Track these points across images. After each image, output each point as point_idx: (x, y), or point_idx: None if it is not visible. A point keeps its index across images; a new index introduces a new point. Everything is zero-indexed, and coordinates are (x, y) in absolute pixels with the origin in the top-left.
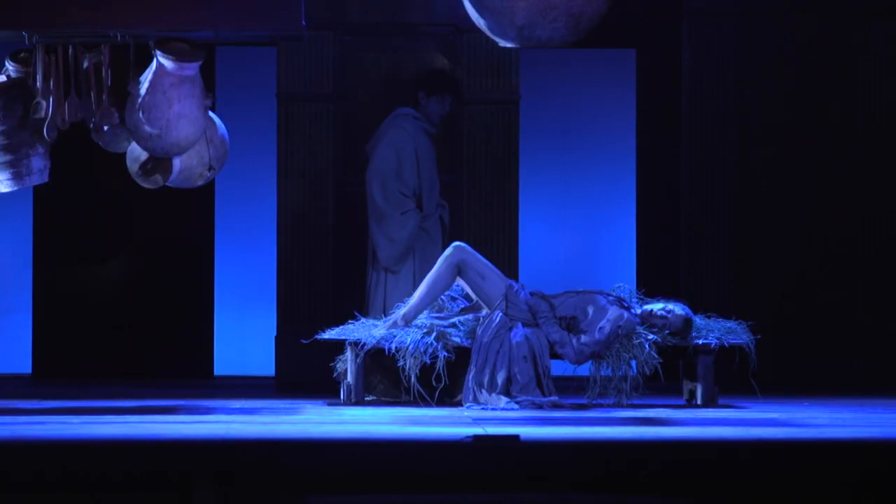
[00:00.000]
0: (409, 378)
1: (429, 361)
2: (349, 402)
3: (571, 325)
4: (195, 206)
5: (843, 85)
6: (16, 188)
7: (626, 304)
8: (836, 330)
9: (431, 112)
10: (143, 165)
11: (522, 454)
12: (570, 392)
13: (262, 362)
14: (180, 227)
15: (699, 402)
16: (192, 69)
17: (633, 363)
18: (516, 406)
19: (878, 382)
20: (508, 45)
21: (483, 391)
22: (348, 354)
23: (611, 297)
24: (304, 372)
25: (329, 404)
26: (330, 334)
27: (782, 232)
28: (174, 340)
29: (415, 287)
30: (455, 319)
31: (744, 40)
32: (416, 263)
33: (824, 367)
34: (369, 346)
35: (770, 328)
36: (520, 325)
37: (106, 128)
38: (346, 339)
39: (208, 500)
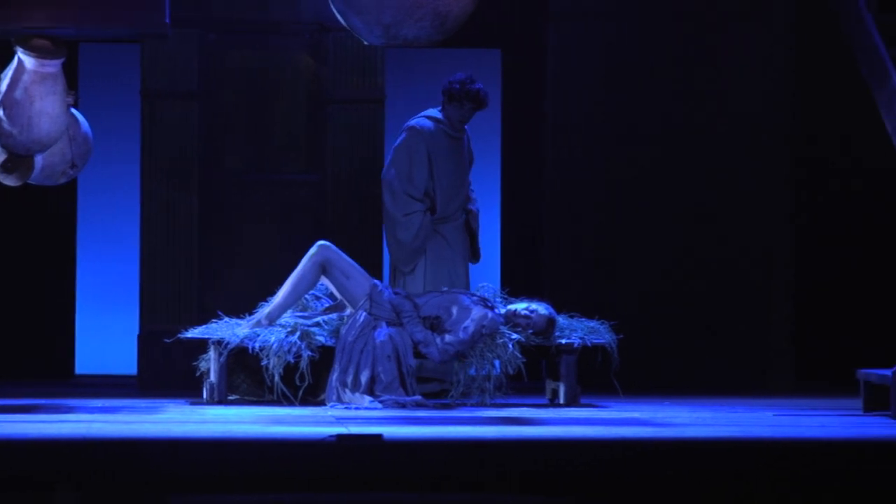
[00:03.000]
0: (273, 377)
1: (292, 361)
2: (212, 402)
3: (435, 324)
4: (57, 203)
5: (707, 87)
6: None
7: (489, 304)
8: (699, 330)
9: (451, 116)
10: (4, 163)
11: (386, 453)
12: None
13: (125, 361)
14: (42, 223)
15: (562, 401)
16: (53, 66)
17: (497, 363)
18: (380, 405)
19: (739, 382)
20: (374, 43)
21: (347, 390)
22: (211, 353)
23: (475, 297)
24: (166, 371)
25: (192, 403)
26: (193, 333)
27: (645, 232)
28: (34, 338)
29: (425, 288)
30: (319, 318)
31: (608, 43)
32: (428, 266)
33: (687, 366)
34: (233, 346)
35: (633, 328)
36: (384, 324)
37: None
38: (209, 338)
39: (70, 500)
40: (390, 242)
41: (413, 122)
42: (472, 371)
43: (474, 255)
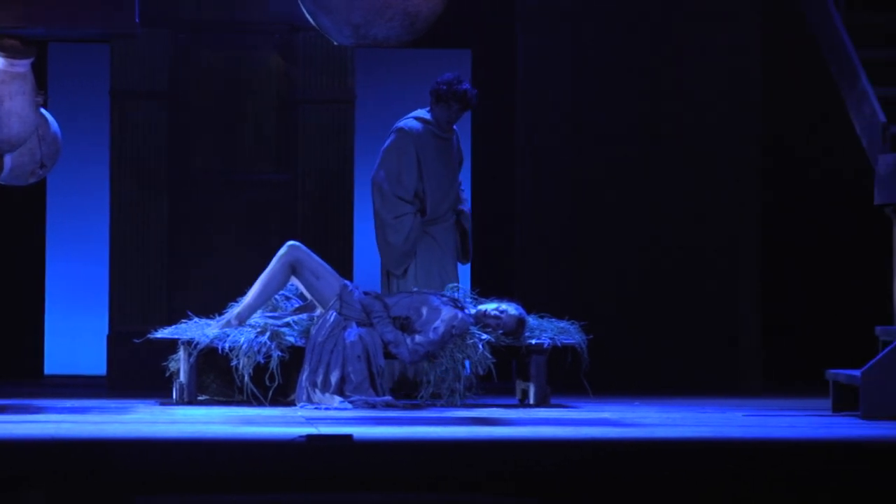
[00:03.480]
0: (243, 378)
1: (262, 361)
2: (182, 402)
3: (405, 325)
4: (26, 203)
5: (676, 86)
6: None
7: (460, 305)
8: (669, 330)
9: (439, 117)
10: None
11: (356, 454)
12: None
13: (94, 361)
14: (11, 224)
15: (532, 401)
16: (23, 66)
17: (467, 363)
18: (350, 405)
19: (709, 382)
20: (344, 43)
21: (317, 391)
22: (181, 354)
23: (445, 298)
24: (136, 371)
25: (161, 404)
26: (163, 333)
27: (618, 233)
28: (3, 339)
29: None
30: (289, 319)
31: (578, 43)
32: (419, 268)
33: (657, 366)
34: (202, 346)
35: (603, 328)
36: (354, 324)
37: None
38: (179, 339)
39: (38, 500)
40: (380, 245)
41: (401, 123)
42: (441, 371)
43: (465, 255)
